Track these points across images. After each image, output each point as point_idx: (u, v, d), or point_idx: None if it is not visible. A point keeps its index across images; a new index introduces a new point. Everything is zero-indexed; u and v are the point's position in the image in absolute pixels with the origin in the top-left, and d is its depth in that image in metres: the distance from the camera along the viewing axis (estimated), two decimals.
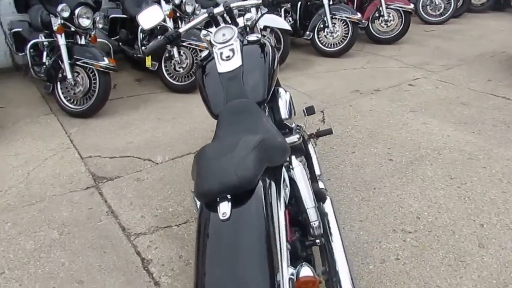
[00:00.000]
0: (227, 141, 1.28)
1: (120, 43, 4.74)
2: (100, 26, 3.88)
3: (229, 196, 1.04)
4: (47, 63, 3.84)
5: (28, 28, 4.41)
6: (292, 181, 1.37)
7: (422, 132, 2.99)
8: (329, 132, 2.26)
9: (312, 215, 1.35)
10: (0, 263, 1.97)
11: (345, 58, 4.98)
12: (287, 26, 4.46)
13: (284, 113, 1.77)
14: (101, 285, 1.80)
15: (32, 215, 2.32)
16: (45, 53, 3.97)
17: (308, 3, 5.17)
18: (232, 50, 1.76)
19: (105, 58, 3.46)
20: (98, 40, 3.90)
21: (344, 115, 3.33)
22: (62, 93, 3.70)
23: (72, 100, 3.69)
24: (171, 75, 4.09)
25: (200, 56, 1.89)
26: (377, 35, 5.49)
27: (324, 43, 5.04)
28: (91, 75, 3.58)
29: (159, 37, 3.93)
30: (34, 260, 1.97)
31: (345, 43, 4.92)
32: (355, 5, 5.50)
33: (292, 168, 1.38)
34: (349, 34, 4.86)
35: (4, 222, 2.27)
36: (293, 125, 1.94)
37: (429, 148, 2.76)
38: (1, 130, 3.50)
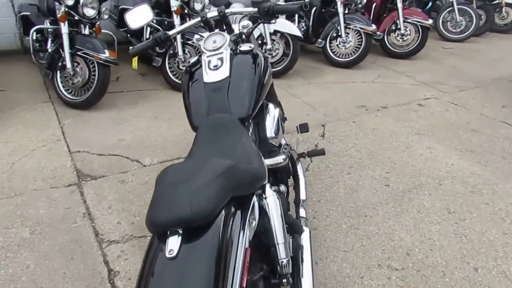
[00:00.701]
0: (193, 163, 1.17)
1: (128, 35, 4.66)
2: (106, 17, 3.80)
3: (180, 231, 0.93)
4: (50, 50, 3.77)
5: (36, 13, 4.35)
6: (264, 212, 1.24)
7: (425, 157, 2.84)
8: (321, 152, 2.14)
9: (282, 251, 1.23)
10: None
11: (356, 70, 4.82)
12: (298, 32, 4.33)
13: (270, 131, 1.65)
14: None
15: (8, 209, 2.24)
16: (50, 40, 3.90)
17: (323, 10, 5.02)
18: (221, 59, 1.65)
19: (106, 51, 3.38)
20: (103, 31, 3.81)
21: (346, 131, 3.19)
22: (61, 82, 3.62)
23: (70, 90, 3.62)
24: (174, 72, 4.00)
25: (189, 62, 1.78)
26: (392, 48, 5.32)
27: (335, 53, 4.90)
28: (91, 66, 3.50)
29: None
30: (0, 260, 1.89)
31: (357, 54, 4.77)
32: (371, 16, 5.35)
33: (265, 198, 1.26)
34: (362, 45, 4.70)
35: None
36: (282, 143, 1.82)
37: (430, 176, 2.61)
38: (1, 115, 3.44)
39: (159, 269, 0.91)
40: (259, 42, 4.42)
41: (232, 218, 1.06)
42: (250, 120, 1.63)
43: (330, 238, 2.02)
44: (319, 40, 4.93)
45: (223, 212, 1.03)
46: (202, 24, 1.84)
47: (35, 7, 4.38)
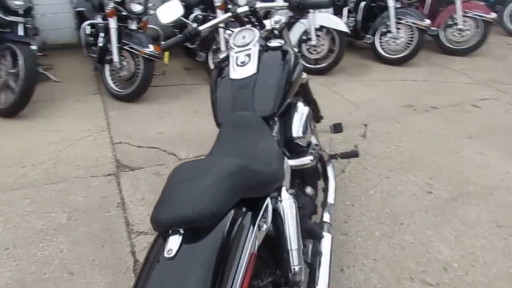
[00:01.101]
0: (207, 161, 1.14)
1: (176, 30, 4.75)
2: (152, 12, 3.88)
3: (181, 231, 0.91)
4: (100, 44, 3.93)
5: (91, 9, 4.55)
6: (278, 215, 1.19)
7: (476, 164, 2.62)
8: (355, 154, 2.04)
9: (295, 258, 1.17)
10: (8, 238, 2.01)
11: (407, 67, 4.57)
12: (344, 28, 4.17)
13: (296, 131, 1.59)
14: (87, 281, 1.76)
15: (51, 194, 2.36)
16: (102, 34, 4.06)
17: (373, 4, 4.80)
18: (249, 55, 1.61)
19: (151, 45, 3.46)
20: (149, 26, 3.91)
21: (389, 132, 3.03)
22: (109, 75, 3.77)
23: (117, 83, 3.76)
24: None
25: (218, 57, 1.77)
26: (448, 44, 4.99)
27: (385, 49, 4.67)
28: (136, 60, 3.61)
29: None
30: (38, 242, 1.99)
31: (408, 50, 4.51)
32: (427, 10, 5.04)
33: (280, 201, 1.20)
34: (414, 41, 4.44)
35: (25, 197, 2.33)
36: (312, 143, 1.76)
37: (479, 184, 2.40)
38: (51, 104, 3.65)
39: (157, 268, 0.89)
40: (304, 37, 4.33)
41: (239, 221, 1.02)
42: (276, 119, 1.58)
43: (360, 245, 1.92)
44: (368, 35, 4.73)
45: (230, 213, 1.00)
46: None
47: (90, 3, 4.58)
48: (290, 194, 1.22)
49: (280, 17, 1.81)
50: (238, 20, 1.80)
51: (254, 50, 1.63)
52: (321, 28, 4.29)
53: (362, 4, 4.89)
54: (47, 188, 2.42)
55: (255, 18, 1.75)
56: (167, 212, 0.92)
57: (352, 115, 3.37)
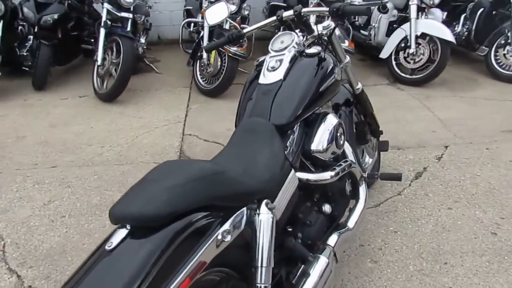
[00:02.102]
0: (185, 163, 1.15)
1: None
2: (246, 12, 4.01)
3: (128, 227, 0.94)
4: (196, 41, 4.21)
5: (197, 7, 4.90)
6: (253, 229, 1.14)
7: None
8: (397, 177, 1.83)
9: (263, 275, 1.10)
10: (68, 208, 2.30)
11: None
12: (450, 37, 3.74)
13: (316, 144, 1.50)
14: None
15: (115, 174, 2.62)
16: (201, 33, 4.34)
17: (493, 12, 4.20)
18: (280, 61, 1.57)
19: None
20: (243, 26, 4.05)
21: (471, 158, 2.63)
22: (199, 70, 4.01)
23: (204, 78, 3.98)
24: None
25: (258, 60, 1.75)
26: None
27: (500, 63, 4.06)
28: (223, 58, 3.77)
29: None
30: (89, 215, 2.23)
31: None
32: None
33: (258, 214, 1.15)
34: None
35: (94, 173, 2.63)
36: (348, 157, 1.64)
37: None
38: (145, 93, 4.04)
39: (94, 258, 0.93)
40: (402, 45, 4.02)
41: (196, 226, 1.00)
42: (297, 128, 1.51)
43: (388, 277, 1.72)
44: (482, 47, 4.16)
45: (190, 217, 0.99)
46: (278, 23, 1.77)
47: (198, 2, 4.94)
48: (270, 208, 1.16)
49: (329, 23, 1.72)
50: (284, 24, 1.77)
51: (288, 55, 1.58)
52: (422, 35, 3.93)
53: (480, 11, 4.33)
54: (114, 168, 2.69)
55: (302, 23, 1.69)
56: (120, 206, 0.96)
57: (436, 134, 3.01)
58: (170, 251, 0.93)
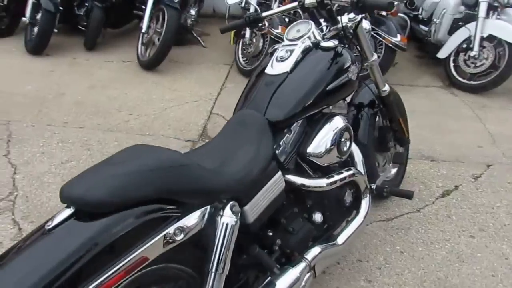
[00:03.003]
0: (152, 149, 1.09)
1: None
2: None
3: (72, 209, 0.90)
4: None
5: None
6: (213, 230, 1.05)
7: None
8: (407, 195, 1.66)
9: (215, 282, 1.03)
10: (82, 169, 2.33)
11: None
12: None
13: (314, 147, 1.37)
14: None
15: (134, 143, 2.62)
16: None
17: None
18: (291, 51, 1.44)
19: (280, 26, 3.42)
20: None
21: None
22: (240, 49, 3.91)
23: (245, 58, 3.88)
24: None
25: (272, 47, 1.64)
26: None
27: None
28: (265, 39, 3.64)
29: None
30: None
31: None
32: None
33: (221, 216, 1.06)
34: None
35: (115, 140, 2.67)
36: (354, 166, 1.51)
37: None
38: (186, 66, 4.03)
39: (32, 235, 0.91)
40: (464, 46, 3.63)
41: (145, 219, 0.95)
42: (294, 127, 1.39)
43: None
44: None
45: (140, 209, 0.94)
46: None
47: None
48: (234, 212, 1.07)
49: (354, 14, 1.55)
50: (305, 11, 1.61)
51: (300, 46, 1.46)
52: (490, 38, 3.52)
53: None
54: (135, 138, 2.71)
55: (326, 12, 1.53)
56: (69, 186, 0.93)
57: (481, 149, 2.71)
58: (109, 241, 0.88)
